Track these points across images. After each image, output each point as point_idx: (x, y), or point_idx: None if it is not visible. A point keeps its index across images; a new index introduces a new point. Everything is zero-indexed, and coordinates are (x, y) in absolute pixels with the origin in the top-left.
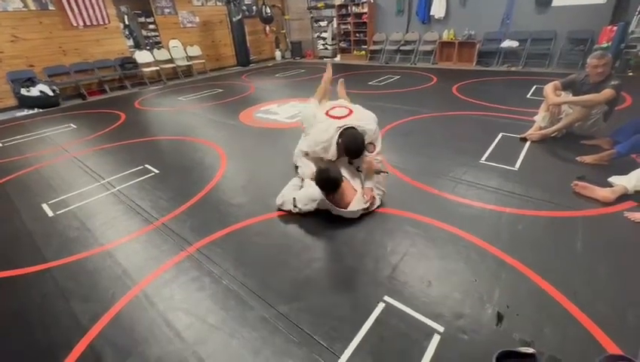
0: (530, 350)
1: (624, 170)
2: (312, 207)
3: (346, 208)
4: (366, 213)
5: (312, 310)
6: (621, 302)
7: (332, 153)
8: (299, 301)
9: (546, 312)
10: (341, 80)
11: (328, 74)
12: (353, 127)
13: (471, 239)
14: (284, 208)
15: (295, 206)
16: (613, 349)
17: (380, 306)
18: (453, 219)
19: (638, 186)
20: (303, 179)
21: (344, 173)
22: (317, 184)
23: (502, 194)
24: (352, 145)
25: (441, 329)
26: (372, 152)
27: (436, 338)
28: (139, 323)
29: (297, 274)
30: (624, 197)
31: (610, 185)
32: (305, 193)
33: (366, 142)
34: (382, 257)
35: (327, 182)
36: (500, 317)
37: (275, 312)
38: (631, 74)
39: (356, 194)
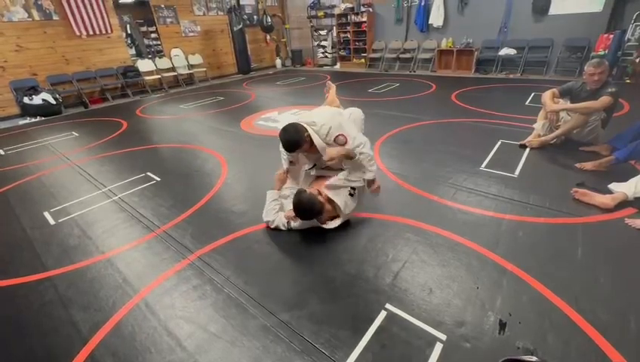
0: (534, 358)
1: (623, 177)
2: (304, 226)
3: (336, 217)
4: (367, 220)
5: (314, 318)
6: (622, 309)
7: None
8: (300, 309)
9: (548, 319)
10: (330, 83)
11: (332, 92)
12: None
13: (471, 246)
14: (274, 226)
15: (288, 225)
16: (616, 357)
17: (382, 314)
18: (454, 226)
19: (638, 193)
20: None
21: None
22: (297, 216)
23: (502, 201)
24: (282, 137)
25: (443, 337)
26: (344, 144)
27: (439, 347)
28: (140, 332)
29: (299, 282)
30: (625, 204)
31: (610, 192)
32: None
33: (327, 137)
34: (383, 265)
35: (304, 213)
36: (502, 325)
37: (277, 320)
38: (628, 81)
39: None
